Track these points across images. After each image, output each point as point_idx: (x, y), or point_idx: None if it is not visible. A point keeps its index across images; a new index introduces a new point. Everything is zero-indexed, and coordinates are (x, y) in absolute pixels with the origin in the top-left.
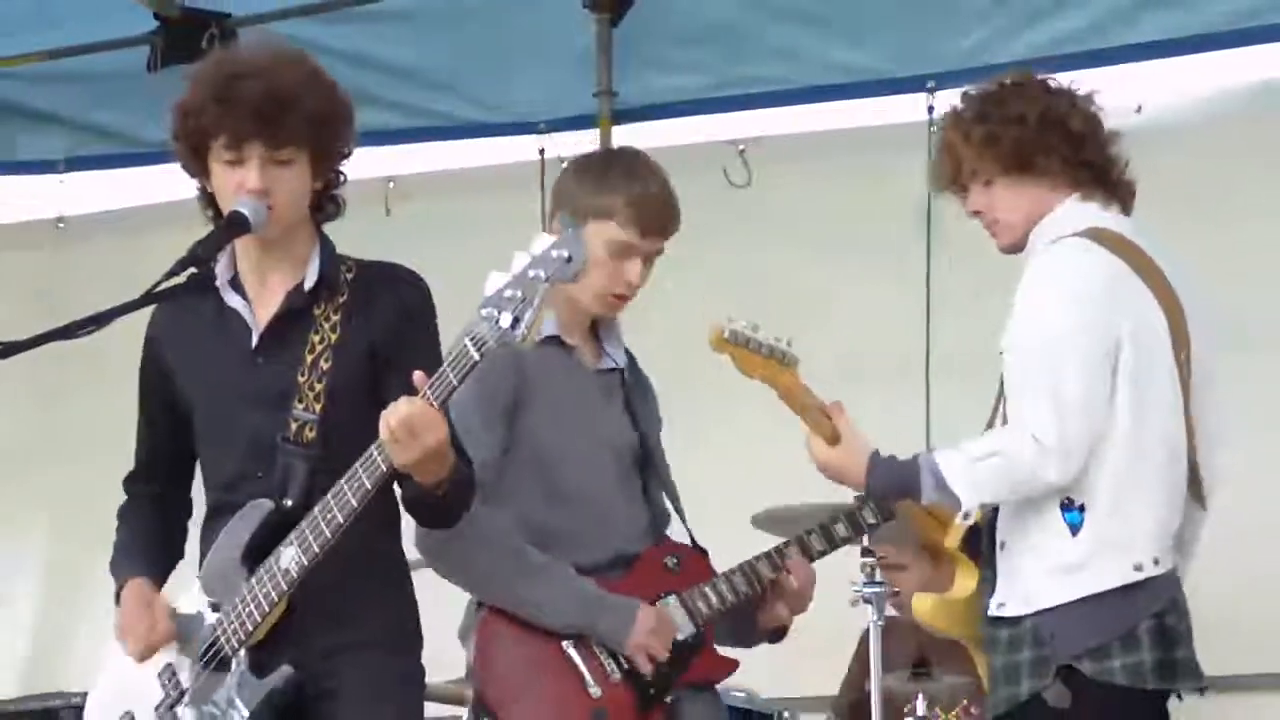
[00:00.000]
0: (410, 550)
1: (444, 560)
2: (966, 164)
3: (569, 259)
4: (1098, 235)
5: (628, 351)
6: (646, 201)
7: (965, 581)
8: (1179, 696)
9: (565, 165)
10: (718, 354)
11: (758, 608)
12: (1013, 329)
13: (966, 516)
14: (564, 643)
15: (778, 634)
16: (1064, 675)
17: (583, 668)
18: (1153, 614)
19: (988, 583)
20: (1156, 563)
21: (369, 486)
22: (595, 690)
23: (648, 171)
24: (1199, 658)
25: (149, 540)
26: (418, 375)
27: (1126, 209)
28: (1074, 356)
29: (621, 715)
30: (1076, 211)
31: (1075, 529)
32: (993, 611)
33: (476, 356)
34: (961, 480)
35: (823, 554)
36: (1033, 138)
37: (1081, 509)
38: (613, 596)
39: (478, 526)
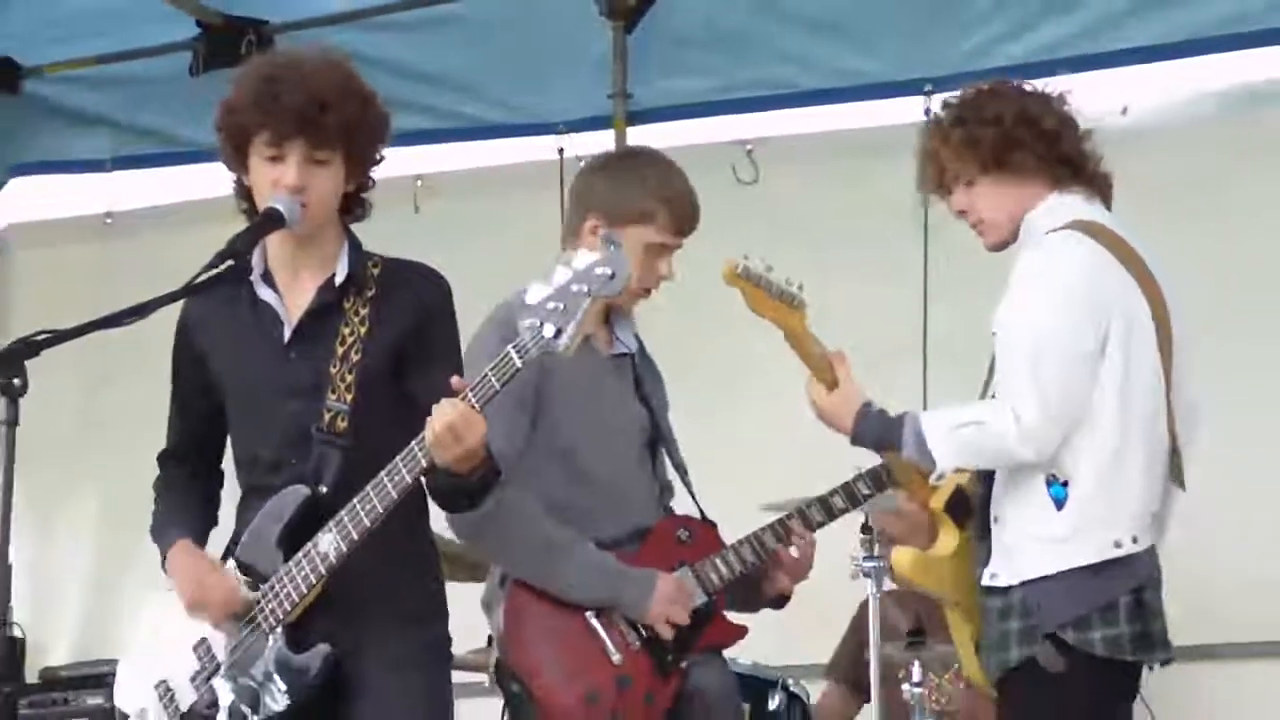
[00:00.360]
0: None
1: (478, 539)
2: (949, 167)
3: (612, 276)
4: (1086, 228)
5: (636, 336)
6: (682, 203)
7: (946, 540)
8: (1149, 668)
9: (583, 166)
10: (730, 287)
11: (763, 577)
12: (1004, 315)
13: (941, 477)
14: (587, 614)
15: (780, 600)
16: (1050, 643)
17: (605, 637)
18: (1131, 589)
19: (981, 556)
20: (1136, 540)
21: (409, 480)
22: (617, 657)
23: (674, 172)
24: (1181, 629)
25: (187, 507)
26: (455, 380)
27: (1107, 203)
28: (1058, 347)
29: (642, 680)
30: (1062, 205)
31: (1060, 504)
32: (985, 581)
33: (519, 364)
34: (941, 443)
35: (822, 524)
36: (1009, 137)
37: (1065, 485)
38: (633, 570)
39: (507, 507)
